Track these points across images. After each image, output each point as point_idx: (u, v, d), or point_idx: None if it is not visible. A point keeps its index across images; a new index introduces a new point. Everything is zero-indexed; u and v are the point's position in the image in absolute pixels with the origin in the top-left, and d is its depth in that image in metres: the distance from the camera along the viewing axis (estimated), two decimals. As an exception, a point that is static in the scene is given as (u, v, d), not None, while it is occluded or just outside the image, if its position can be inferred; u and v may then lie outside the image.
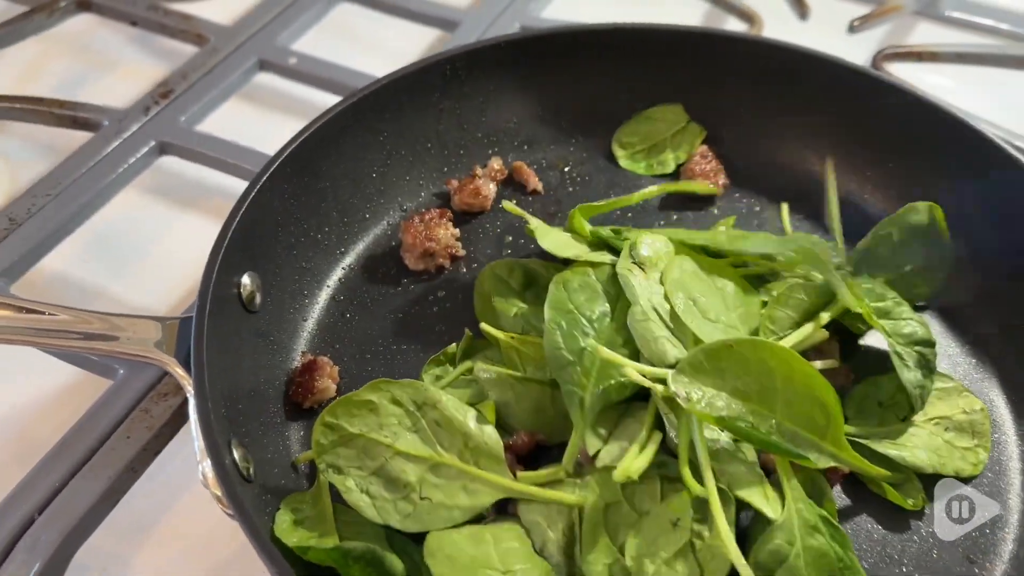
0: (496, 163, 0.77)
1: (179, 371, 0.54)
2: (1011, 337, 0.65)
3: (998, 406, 0.62)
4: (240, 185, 0.65)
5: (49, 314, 0.54)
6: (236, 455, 0.53)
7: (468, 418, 0.55)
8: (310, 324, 0.67)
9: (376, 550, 0.50)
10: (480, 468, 0.54)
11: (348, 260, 0.71)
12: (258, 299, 0.63)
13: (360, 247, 0.71)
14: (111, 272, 0.79)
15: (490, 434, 0.55)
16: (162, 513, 0.64)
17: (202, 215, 0.83)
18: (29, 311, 0.53)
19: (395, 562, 0.50)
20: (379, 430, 0.54)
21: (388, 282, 0.69)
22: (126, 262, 0.80)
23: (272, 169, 0.64)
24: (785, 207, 0.74)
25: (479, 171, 0.76)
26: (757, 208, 0.75)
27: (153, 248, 0.81)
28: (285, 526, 0.52)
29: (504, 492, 0.54)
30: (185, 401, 0.61)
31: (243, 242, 0.61)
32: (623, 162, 0.78)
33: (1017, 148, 0.68)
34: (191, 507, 0.64)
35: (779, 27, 0.92)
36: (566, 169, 0.78)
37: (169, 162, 0.83)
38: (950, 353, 0.65)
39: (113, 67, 0.99)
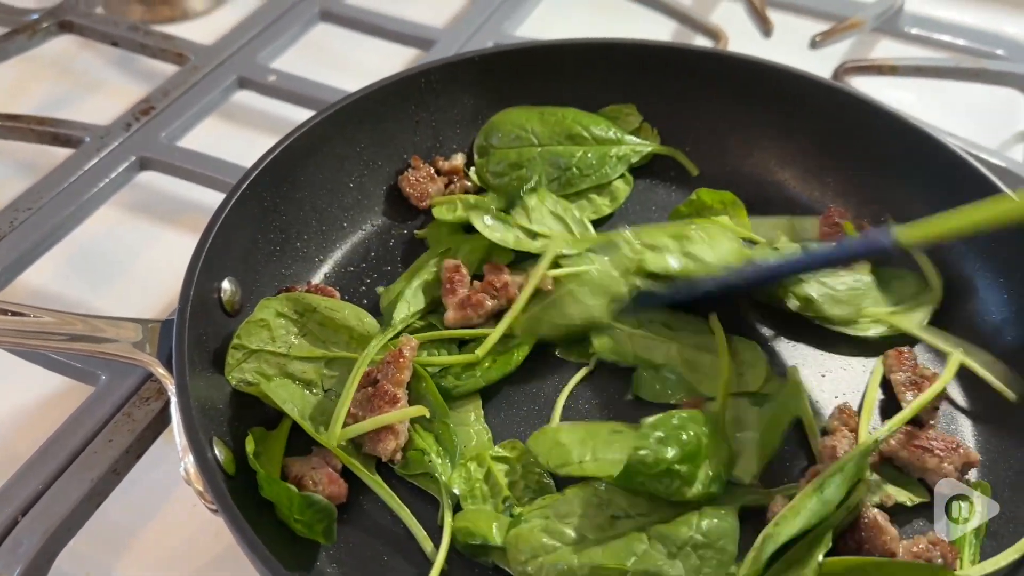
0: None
1: (161, 371, 0.56)
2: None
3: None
4: (221, 199, 0.67)
5: (33, 316, 0.55)
6: (218, 453, 0.54)
7: (346, 314, 0.64)
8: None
9: (334, 511, 0.55)
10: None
11: (326, 268, 0.72)
12: (238, 304, 0.64)
13: (338, 255, 0.73)
14: (91, 286, 0.80)
15: (370, 323, 0.64)
16: (143, 520, 0.65)
17: (182, 230, 0.85)
18: (14, 313, 0.54)
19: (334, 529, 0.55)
20: (272, 343, 0.62)
21: (367, 289, 0.71)
22: (106, 276, 0.81)
23: (252, 177, 0.66)
24: None
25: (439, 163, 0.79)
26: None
27: (133, 262, 0.83)
28: (250, 452, 0.56)
29: None
30: (166, 404, 0.62)
31: (223, 247, 0.62)
32: None
33: (977, 158, 0.71)
34: (172, 513, 0.65)
35: (744, 44, 0.95)
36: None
37: (150, 177, 0.85)
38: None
39: (94, 87, 1.01)
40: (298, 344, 0.63)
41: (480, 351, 0.63)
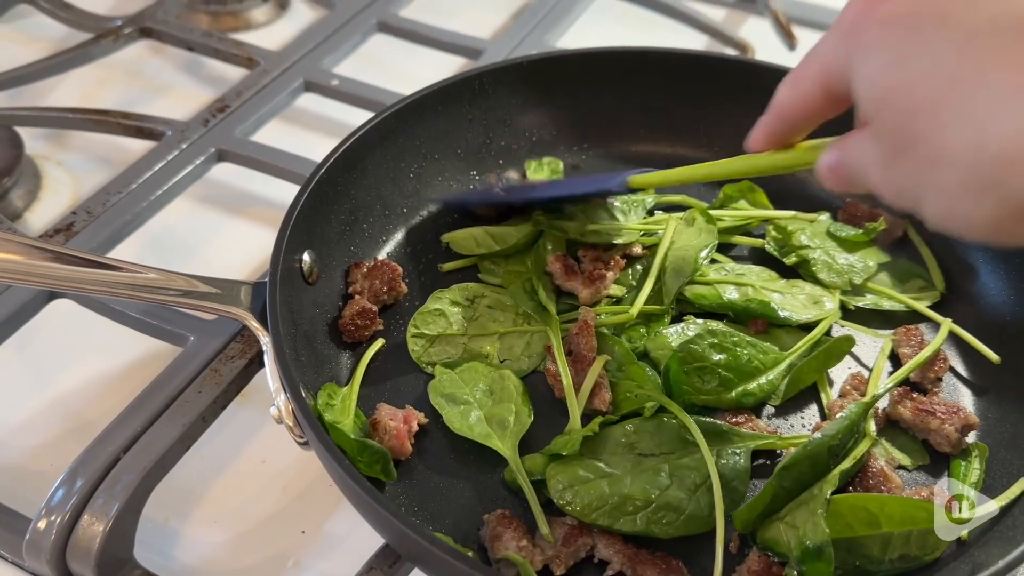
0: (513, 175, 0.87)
1: (255, 324, 0.63)
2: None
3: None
4: (290, 189, 0.75)
5: (140, 273, 0.63)
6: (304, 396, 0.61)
7: (506, 295, 0.73)
8: (356, 300, 0.76)
9: (387, 453, 0.61)
10: (533, 325, 0.72)
11: (388, 247, 0.80)
12: (315, 275, 0.72)
13: (398, 236, 0.81)
14: (172, 264, 0.87)
15: (530, 302, 0.72)
16: (214, 476, 0.72)
17: (250, 221, 0.93)
18: (124, 270, 0.62)
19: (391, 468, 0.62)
20: (450, 327, 0.72)
21: (424, 268, 0.79)
22: (185, 257, 0.89)
23: (329, 163, 0.74)
24: None
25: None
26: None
27: (209, 245, 0.91)
28: (322, 403, 0.63)
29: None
30: (251, 361, 0.70)
31: (304, 223, 0.70)
32: None
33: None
34: (239, 472, 0.73)
35: (770, 57, 1.02)
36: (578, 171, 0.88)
37: (223, 170, 0.93)
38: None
39: (167, 89, 1.10)
40: (470, 325, 0.72)
41: (633, 310, 0.71)
